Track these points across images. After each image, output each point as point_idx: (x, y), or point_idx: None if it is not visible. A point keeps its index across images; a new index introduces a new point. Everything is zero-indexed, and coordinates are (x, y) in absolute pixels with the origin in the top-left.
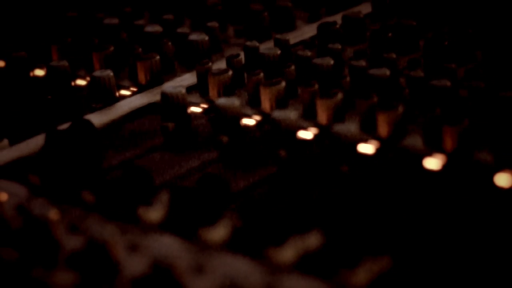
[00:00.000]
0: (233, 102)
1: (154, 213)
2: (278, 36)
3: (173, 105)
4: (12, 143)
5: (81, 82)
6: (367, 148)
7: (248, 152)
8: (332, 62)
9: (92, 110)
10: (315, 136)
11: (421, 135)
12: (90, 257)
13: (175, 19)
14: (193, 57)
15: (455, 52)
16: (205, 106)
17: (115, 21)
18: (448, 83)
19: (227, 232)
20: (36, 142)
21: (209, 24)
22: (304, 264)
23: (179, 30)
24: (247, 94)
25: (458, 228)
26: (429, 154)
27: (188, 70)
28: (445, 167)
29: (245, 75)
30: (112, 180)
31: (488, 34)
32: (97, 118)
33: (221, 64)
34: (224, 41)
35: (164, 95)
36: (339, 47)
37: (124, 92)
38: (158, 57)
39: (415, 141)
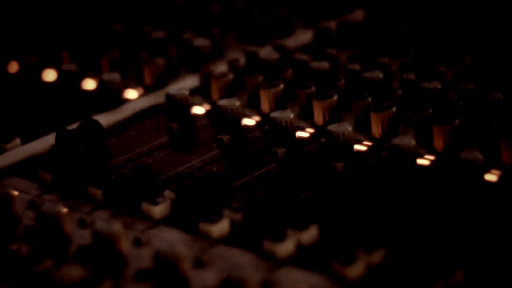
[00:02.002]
0: (234, 103)
1: (159, 209)
2: (278, 41)
3: (178, 106)
4: (24, 142)
5: (90, 84)
6: (362, 147)
7: (248, 150)
8: (328, 65)
9: (100, 111)
10: (312, 135)
11: (413, 134)
12: (98, 250)
13: (180, 25)
14: (197, 61)
15: (444, 56)
16: (208, 108)
17: (122, 27)
18: (438, 85)
19: (228, 227)
20: (47, 141)
21: (212, 30)
22: (301, 258)
23: (184, 36)
24: (247, 96)
25: (449, 222)
26: (422, 152)
27: (191, 73)
28: (435, 164)
29: (246, 78)
30: (119, 177)
31: (476, 38)
32: (105, 119)
33: (223, 68)
34: (226, 45)
35: (169, 97)
36: (335, 51)
37: (131, 94)
38: (163, 61)
39: (408, 140)
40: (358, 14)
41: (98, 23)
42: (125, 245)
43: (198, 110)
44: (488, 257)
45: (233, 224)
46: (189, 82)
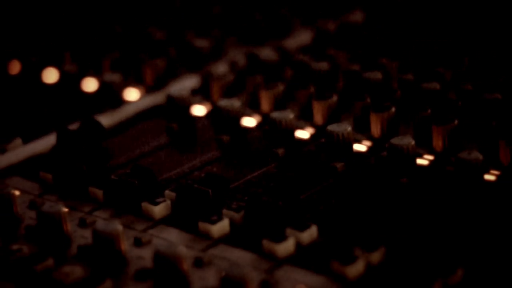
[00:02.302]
0: (234, 103)
1: (159, 209)
2: (277, 42)
3: (178, 107)
4: (25, 141)
5: (91, 85)
6: (360, 147)
7: (248, 150)
8: (327, 66)
9: (101, 111)
10: (312, 135)
11: (412, 135)
12: (98, 250)
13: (180, 26)
14: (198, 62)
15: (443, 57)
16: (209, 108)
17: (124, 28)
18: (438, 86)
19: (228, 227)
20: (48, 141)
21: (213, 31)
22: (300, 257)
23: (186, 37)
24: (247, 96)
25: (448, 221)
26: (420, 152)
27: (192, 73)
28: (435, 164)
29: (246, 78)
30: (120, 177)
31: (476, 38)
32: (106, 119)
33: (223, 69)
34: (226, 46)
35: (169, 97)
36: (334, 52)
37: (131, 94)
38: (164, 61)
39: (407, 140)
40: (357, 15)
41: (100, 24)
42: (125, 245)
43: (199, 110)
44: (487, 256)
45: (232, 224)
46: (190, 82)
